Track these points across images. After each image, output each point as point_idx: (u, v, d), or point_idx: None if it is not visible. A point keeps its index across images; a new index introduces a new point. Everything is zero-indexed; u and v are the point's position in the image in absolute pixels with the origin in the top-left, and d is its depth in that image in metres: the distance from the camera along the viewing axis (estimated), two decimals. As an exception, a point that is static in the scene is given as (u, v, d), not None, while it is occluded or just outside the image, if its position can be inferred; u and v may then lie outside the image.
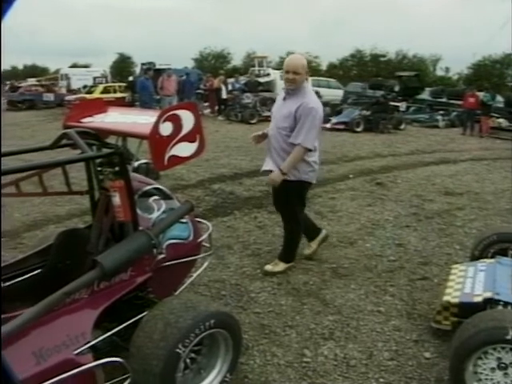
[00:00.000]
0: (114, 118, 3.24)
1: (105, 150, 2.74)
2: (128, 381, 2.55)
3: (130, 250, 2.68)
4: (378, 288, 4.32)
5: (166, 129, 2.69)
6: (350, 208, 6.86)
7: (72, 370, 2.33)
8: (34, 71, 67.84)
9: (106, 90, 24.31)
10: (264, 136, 4.65)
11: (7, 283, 2.78)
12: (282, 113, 4.30)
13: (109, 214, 2.76)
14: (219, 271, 4.59)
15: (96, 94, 22.79)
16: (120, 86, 25.70)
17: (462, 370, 2.74)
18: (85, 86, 28.80)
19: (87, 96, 22.75)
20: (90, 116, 3.32)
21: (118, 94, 23.52)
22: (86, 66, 50.61)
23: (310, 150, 4.21)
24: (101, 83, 27.81)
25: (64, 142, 2.87)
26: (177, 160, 2.82)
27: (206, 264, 3.68)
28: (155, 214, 3.03)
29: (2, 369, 1.23)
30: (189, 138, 2.83)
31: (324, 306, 3.98)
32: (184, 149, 2.83)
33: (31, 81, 37.53)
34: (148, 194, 3.12)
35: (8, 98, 29.34)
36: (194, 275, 3.61)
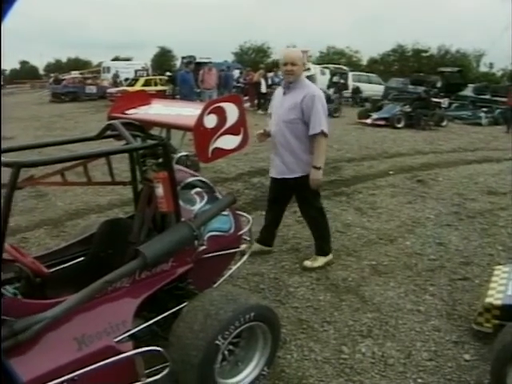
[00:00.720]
0: (158, 110, 3.26)
1: (149, 142, 2.77)
2: (166, 370, 2.58)
3: (171, 240, 2.70)
4: (418, 287, 4.25)
5: (211, 121, 2.69)
6: (390, 205, 6.76)
7: (112, 357, 2.37)
8: (77, 64, 69.22)
9: (147, 83, 24.61)
10: (266, 134, 4.59)
11: (51, 270, 2.83)
12: (286, 106, 4.27)
13: (151, 205, 2.79)
14: (258, 265, 4.60)
15: (137, 87, 23.06)
16: (161, 79, 25.96)
17: (504, 374, 2.67)
18: (126, 79, 29.22)
19: (129, 89, 23.03)
20: (134, 107, 3.35)
21: (159, 87, 23.75)
22: (127, 60, 51.32)
23: (327, 136, 4.25)
24: (142, 76, 28.14)
25: (108, 133, 2.92)
26: (220, 152, 2.82)
27: (245, 257, 3.68)
28: (197, 206, 3.04)
29: (3, 369, 1.24)
30: (233, 130, 2.83)
31: (363, 303, 3.94)
32: (228, 141, 2.82)
33: (74, 73, 38.29)
34: (190, 186, 3.14)
35: (52, 90, 30.07)
36: (234, 268, 3.61)
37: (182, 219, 2.83)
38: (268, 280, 4.32)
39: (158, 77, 27.33)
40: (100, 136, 2.89)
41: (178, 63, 39.10)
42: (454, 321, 3.70)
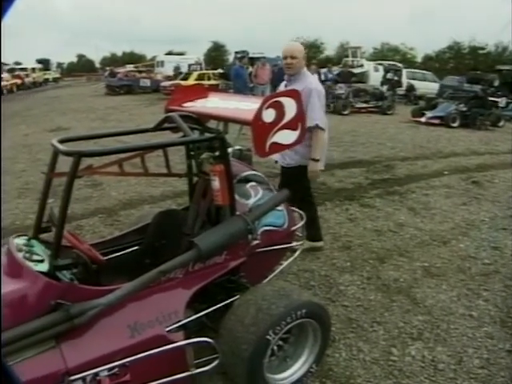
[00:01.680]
0: (216, 103, 3.27)
1: (206, 135, 2.78)
2: (216, 362, 2.60)
3: (226, 233, 2.72)
4: (471, 291, 4.13)
5: (269, 115, 2.68)
6: (444, 206, 6.60)
7: (163, 346, 2.41)
8: (131, 58, 70.54)
9: (200, 77, 24.78)
10: None
11: (106, 257, 2.90)
12: None
13: (206, 198, 2.81)
14: (309, 261, 4.58)
15: (191, 81, 23.27)
16: (214, 74, 26.13)
17: None
18: (180, 73, 29.57)
19: (182, 82, 23.28)
20: (191, 101, 3.37)
21: (212, 81, 23.92)
22: (181, 54, 51.93)
23: (323, 130, 4.19)
24: (195, 70, 28.39)
25: (165, 125, 2.95)
26: (278, 147, 2.80)
27: (297, 253, 3.67)
28: (252, 200, 3.05)
29: (3, 369, 1.25)
30: (291, 125, 2.81)
31: (414, 305, 3.87)
32: (285, 136, 2.81)
33: (129, 67, 39.07)
34: (246, 180, 3.15)
35: (107, 83, 30.80)
36: (285, 263, 3.61)
37: (237, 213, 2.84)
38: (318, 277, 4.29)
39: (210, 71, 27.51)
40: (157, 128, 2.93)
41: (231, 58, 39.31)
42: (508, 329, 3.58)
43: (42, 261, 2.50)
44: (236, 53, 28.35)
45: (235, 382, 2.72)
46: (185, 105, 3.29)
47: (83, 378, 2.26)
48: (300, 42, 58.63)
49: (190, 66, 31.62)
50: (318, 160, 4.20)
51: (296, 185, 4.38)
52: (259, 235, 3.01)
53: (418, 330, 3.54)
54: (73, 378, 2.22)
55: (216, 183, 2.67)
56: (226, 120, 3.11)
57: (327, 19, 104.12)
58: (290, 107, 2.79)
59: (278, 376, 2.80)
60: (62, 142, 2.55)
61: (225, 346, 2.59)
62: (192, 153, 3.11)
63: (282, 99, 2.76)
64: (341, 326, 3.55)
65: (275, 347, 2.67)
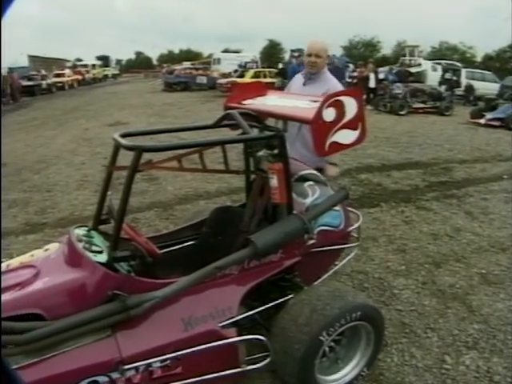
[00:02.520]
0: (275, 101, 3.27)
1: (266, 133, 2.78)
2: (267, 360, 2.60)
3: (282, 232, 2.71)
4: (531, 301, 3.97)
5: (329, 114, 2.65)
6: (503, 211, 6.36)
7: (215, 341, 2.43)
8: (188, 55, 71.66)
9: (256, 75, 24.84)
10: None
11: (162, 251, 2.94)
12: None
13: (264, 195, 2.81)
14: (363, 263, 4.53)
15: (247, 79, 23.38)
16: (270, 72, 26.15)
17: None
18: (236, 71, 29.76)
19: (238, 80, 23.43)
20: (250, 98, 3.38)
21: (268, 79, 23.96)
22: (237, 52, 52.30)
23: None
24: (252, 68, 28.49)
25: (224, 122, 2.97)
26: (337, 147, 2.78)
27: (352, 254, 3.64)
28: (309, 199, 3.03)
29: (3, 369, 1.26)
30: (351, 125, 2.78)
31: (469, 313, 3.76)
32: (345, 136, 2.78)
33: (186, 64, 39.67)
34: (303, 179, 3.13)
35: (164, 80, 31.47)
36: (339, 264, 3.58)
37: (294, 212, 2.83)
38: (372, 279, 4.24)
39: (267, 69, 27.55)
40: (217, 125, 2.95)
41: (287, 56, 39.24)
42: None
43: (100, 252, 2.57)
44: (292, 51, 28.28)
45: (285, 381, 2.71)
46: (244, 102, 3.30)
47: (136, 368, 2.32)
48: (356, 40, 58.14)
49: (246, 63, 31.75)
50: (336, 164, 4.02)
51: None
52: (315, 235, 2.98)
53: (473, 338, 3.43)
54: (126, 367, 2.28)
55: (274, 181, 2.67)
56: (286, 118, 3.11)
57: (385, 17, 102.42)
58: (351, 106, 2.76)
59: (328, 377, 2.78)
60: (123, 136, 2.60)
61: (277, 344, 2.59)
62: (250, 150, 3.12)
63: (343, 98, 2.73)
64: (393, 330, 3.49)
65: (327, 348, 2.65)
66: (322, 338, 2.49)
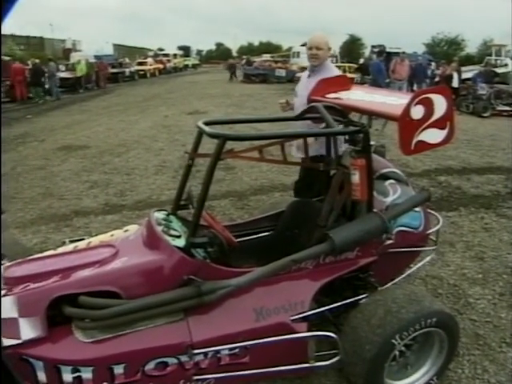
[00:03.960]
0: (361, 96, 3.20)
1: (350, 127, 2.73)
2: (336, 358, 2.56)
3: (361, 230, 2.65)
4: None
5: (418, 112, 2.57)
6: None
7: (285, 334, 2.43)
8: (268, 48, 72.00)
9: (336, 70, 24.55)
10: (290, 105, 4.45)
11: (238, 239, 2.96)
12: (312, 87, 3.94)
13: (343, 191, 2.76)
14: (438, 268, 4.37)
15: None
16: (350, 67, 25.81)
17: None
18: (314, 65, 29.57)
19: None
20: (334, 92, 3.34)
21: (348, 75, 23.66)
22: (316, 45, 51.82)
23: None
24: (332, 62, 28.20)
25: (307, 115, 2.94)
26: (424, 146, 2.69)
27: (428, 258, 3.51)
28: (390, 198, 2.95)
29: (3, 368, 1.26)
30: (439, 124, 2.68)
31: (550, 330, 3.53)
32: (432, 135, 2.68)
33: (265, 56, 39.87)
34: (385, 177, 3.05)
35: (243, 71, 31.86)
36: (414, 267, 3.46)
37: (374, 210, 2.76)
38: (447, 286, 4.08)
39: (347, 64, 27.20)
40: (301, 117, 2.93)
41: (367, 52, 38.65)
42: None
43: (178, 236, 2.61)
44: (373, 47, 27.87)
45: (351, 381, 2.67)
46: (328, 96, 3.26)
47: (205, 353, 2.35)
48: (439, 37, 56.26)
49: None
50: None
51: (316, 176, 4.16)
52: (393, 235, 2.91)
53: (553, 358, 3.22)
54: (196, 351, 2.32)
55: (356, 177, 2.62)
56: (372, 114, 3.03)
57: (471, 14, 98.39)
58: (440, 105, 2.66)
59: (396, 382, 2.71)
60: (206, 124, 2.63)
61: (347, 343, 2.55)
62: (334, 144, 3.07)
63: (432, 96, 2.63)
64: (466, 340, 3.34)
65: (397, 352, 2.57)
66: (394, 341, 2.43)
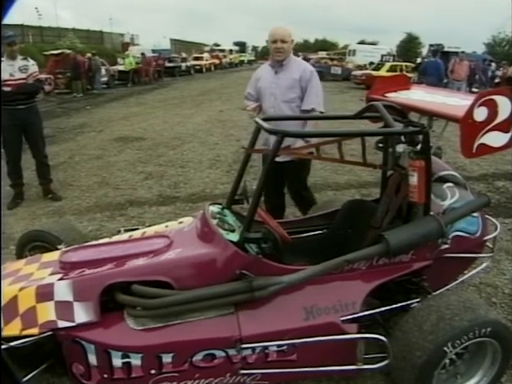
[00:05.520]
0: (421, 96, 3.14)
1: (410, 128, 2.67)
2: (385, 362, 2.52)
3: (417, 233, 2.59)
4: None
5: (481, 114, 2.49)
6: None
7: (335, 334, 2.40)
8: (324, 45, 71.56)
9: (392, 69, 24.19)
10: (255, 110, 4.13)
11: (291, 236, 2.95)
12: (284, 85, 3.98)
13: (400, 193, 2.70)
14: (493, 276, 4.21)
15: (382, 72, 22.84)
16: (407, 66, 25.33)
17: None
18: (371, 63, 29.21)
19: (373, 73, 23.03)
20: (394, 91, 3.28)
21: (405, 74, 23.28)
22: (373, 44, 51.35)
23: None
24: (388, 61, 27.78)
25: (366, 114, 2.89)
26: (486, 149, 2.61)
27: (483, 265, 3.39)
28: (447, 202, 2.87)
29: (3, 368, 1.26)
30: (502, 127, 2.59)
31: None
32: (495, 138, 2.60)
33: (321, 54, 39.67)
34: (443, 180, 2.98)
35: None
36: (469, 274, 3.35)
37: (431, 213, 2.70)
38: (502, 295, 3.93)
39: (403, 63, 26.71)
40: (359, 115, 2.89)
41: (425, 51, 37.89)
42: None
43: (232, 230, 2.63)
44: (430, 46, 27.29)
45: None
46: (387, 95, 3.20)
47: (253, 349, 2.36)
48: (501, 37, 54.31)
49: (382, 56, 31.03)
50: None
51: (294, 177, 4.25)
52: (450, 239, 2.83)
53: None
54: (244, 346, 2.32)
55: (414, 179, 2.55)
56: (433, 114, 2.96)
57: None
58: (504, 107, 2.57)
59: None
60: (264, 120, 2.63)
61: (397, 348, 2.49)
62: (389, 145, 3.02)
63: (497, 97, 2.55)
64: (520, 353, 3.22)
65: (447, 360, 2.50)
66: (446, 349, 2.36)
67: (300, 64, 4.08)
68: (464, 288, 3.82)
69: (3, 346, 2.32)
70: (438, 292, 2.87)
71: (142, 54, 29.00)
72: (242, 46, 65.87)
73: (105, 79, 24.48)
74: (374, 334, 2.52)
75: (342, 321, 2.44)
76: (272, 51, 3.98)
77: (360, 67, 29.56)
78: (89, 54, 23.36)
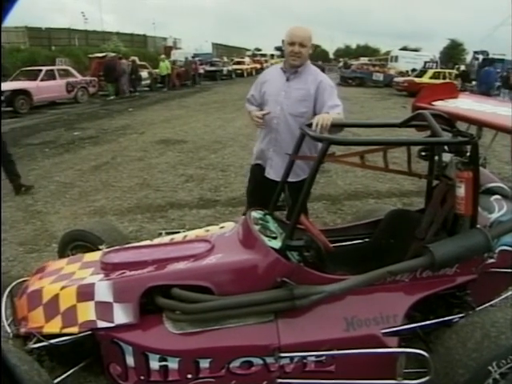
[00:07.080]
0: (470, 105, 3.05)
1: (459, 138, 2.60)
2: (425, 378, 2.45)
3: (463, 246, 2.51)
4: None
5: None
6: None
7: (375, 347, 2.34)
8: (365, 51, 71.14)
9: (435, 76, 23.85)
10: (262, 118, 3.64)
11: (332, 245, 2.91)
12: (294, 96, 3.49)
13: (446, 204, 2.63)
14: (539, 293, 4.07)
15: (425, 79, 22.53)
16: (450, 73, 24.91)
17: None
18: (413, 70, 28.84)
19: (416, 80, 22.75)
20: (441, 99, 3.20)
21: (448, 81, 22.89)
22: (415, 50, 50.74)
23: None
24: (431, 68, 27.36)
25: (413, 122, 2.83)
26: None
27: None
28: (495, 215, 2.78)
29: (4, 366, 1.25)
30: None
31: None
32: None
33: (363, 60, 39.44)
34: (491, 192, 2.89)
35: (340, 74, 31.87)
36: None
37: (477, 226, 2.62)
38: (548, 314, 3.78)
39: (447, 70, 26.27)
40: (405, 124, 2.83)
41: (468, 58, 37.20)
42: None
43: (275, 237, 2.61)
44: (475, 53, 26.75)
45: None
46: (435, 103, 3.13)
47: (291, 358, 2.33)
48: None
49: (425, 63, 30.61)
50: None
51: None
52: (496, 254, 2.74)
53: None
54: (282, 354, 2.30)
55: (461, 190, 2.48)
56: (482, 124, 2.88)
57: None
58: None
59: None
60: (308, 126, 2.60)
61: (439, 364, 2.41)
62: (435, 154, 2.94)
63: None
64: None
65: (491, 380, 2.41)
66: (490, 368, 2.26)
67: (317, 75, 3.56)
68: (508, 305, 3.70)
69: (44, 343, 2.37)
70: (481, 307, 2.78)
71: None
72: (283, 51, 66.07)
73: (147, 82, 24.84)
74: (416, 349, 2.46)
75: (383, 333, 2.39)
76: (287, 54, 3.52)
77: (402, 74, 29.23)
78: (133, 58, 23.75)
